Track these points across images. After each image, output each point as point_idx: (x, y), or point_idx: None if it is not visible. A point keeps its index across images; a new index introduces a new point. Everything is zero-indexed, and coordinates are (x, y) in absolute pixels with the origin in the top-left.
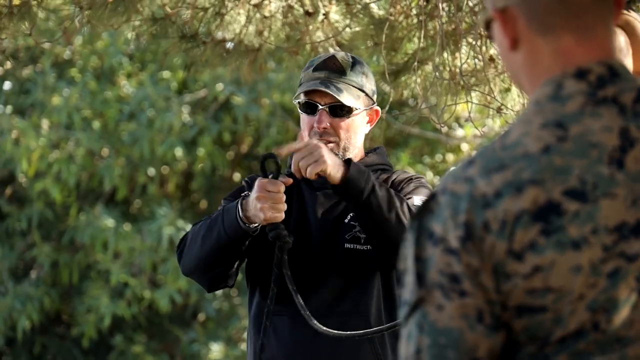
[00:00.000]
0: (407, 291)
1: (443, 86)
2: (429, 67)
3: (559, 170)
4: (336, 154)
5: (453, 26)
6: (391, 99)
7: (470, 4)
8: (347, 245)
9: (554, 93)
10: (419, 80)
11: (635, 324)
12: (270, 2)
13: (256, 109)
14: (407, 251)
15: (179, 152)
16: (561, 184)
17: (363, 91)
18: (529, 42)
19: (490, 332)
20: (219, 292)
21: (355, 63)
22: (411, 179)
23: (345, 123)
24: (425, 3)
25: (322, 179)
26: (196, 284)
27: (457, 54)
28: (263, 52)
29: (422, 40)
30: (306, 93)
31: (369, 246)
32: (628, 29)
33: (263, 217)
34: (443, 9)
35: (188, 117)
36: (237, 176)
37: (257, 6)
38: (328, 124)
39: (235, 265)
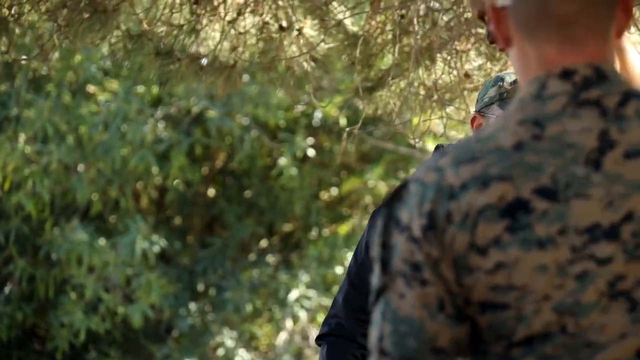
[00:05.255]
0: (375, 277)
1: (418, 101)
2: (403, 83)
3: (531, 167)
4: None
5: (428, 42)
6: (364, 115)
7: (445, 19)
8: None
9: (537, 92)
10: (393, 96)
11: (607, 329)
12: (245, 18)
13: (229, 122)
14: (376, 238)
15: (152, 166)
16: (532, 181)
17: None
18: (519, 44)
19: (452, 322)
20: (193, 308)
21: None
22: None
23: None
24: (400, 19)
25: None
26: (170, 299)
27: (432, 70)
28: (238, 68)
29: (396, 55)
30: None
31: None
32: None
33: None
34: (418, 23)
35: (161, 130)
36: (211, 192)
37: (232, 22)
38: None
39: None
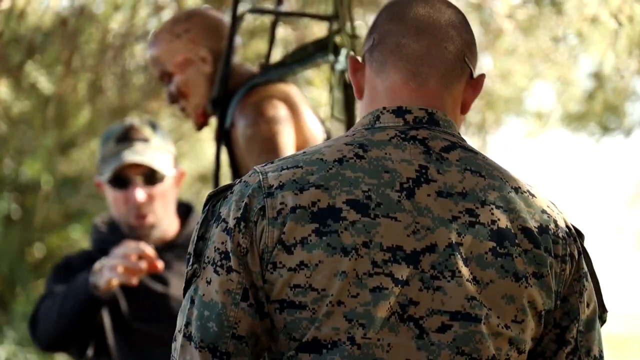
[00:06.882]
0: (188, 268)
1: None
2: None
3: (348, 181)
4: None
5: (121, 101)
6: (64, 174)
7: (138, 79)
8: None
9: (370, 123)
10: (89, 154)
11: (393, 350)
12: None
13: None
14: (194, 234)
15: None
16: (346, 193)
17: (169, 154)
18: (370, 84)
19: (254, 312)
20: None
21: (155, 127)
22: None
23: (160, 190)
24: (93, 79)
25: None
26: None
27: None
28: None
29: (90, 115)
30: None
31: None
32: (289, 102)
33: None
34: (112, 83)
35: None
36: None
37: None
38: (145, 196)
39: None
